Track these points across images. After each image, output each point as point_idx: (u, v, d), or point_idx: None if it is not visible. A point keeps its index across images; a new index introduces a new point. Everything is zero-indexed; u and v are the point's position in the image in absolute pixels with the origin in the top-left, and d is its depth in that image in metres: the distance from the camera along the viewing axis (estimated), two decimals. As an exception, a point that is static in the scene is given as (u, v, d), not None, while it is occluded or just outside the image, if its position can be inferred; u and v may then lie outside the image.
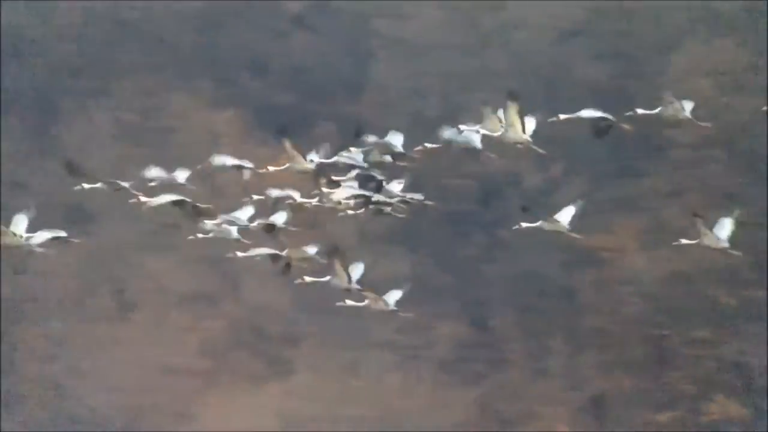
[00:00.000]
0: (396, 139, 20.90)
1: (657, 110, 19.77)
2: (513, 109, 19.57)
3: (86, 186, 21.24)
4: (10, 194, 32.54)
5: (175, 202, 20.92)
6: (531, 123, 19.83)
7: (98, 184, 21.26)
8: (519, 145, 19.85)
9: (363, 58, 35.17)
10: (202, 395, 32.36)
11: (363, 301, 20.68)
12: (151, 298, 33.09)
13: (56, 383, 32.31)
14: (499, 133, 19.75)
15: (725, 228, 20.39)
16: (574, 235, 20.19)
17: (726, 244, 20.25)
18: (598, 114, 19.96)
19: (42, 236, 20.79)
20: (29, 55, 35.27)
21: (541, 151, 19.83)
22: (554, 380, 32.61)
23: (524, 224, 20.43)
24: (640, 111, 19.85)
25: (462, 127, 20.35)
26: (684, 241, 20.53)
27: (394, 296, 20.90)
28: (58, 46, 35.35)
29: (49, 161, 33.43)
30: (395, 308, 20.84)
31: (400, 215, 21.01)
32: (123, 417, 32.14)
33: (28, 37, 35.38)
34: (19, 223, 20.93)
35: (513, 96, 19.54)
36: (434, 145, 20.54)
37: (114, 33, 35.42)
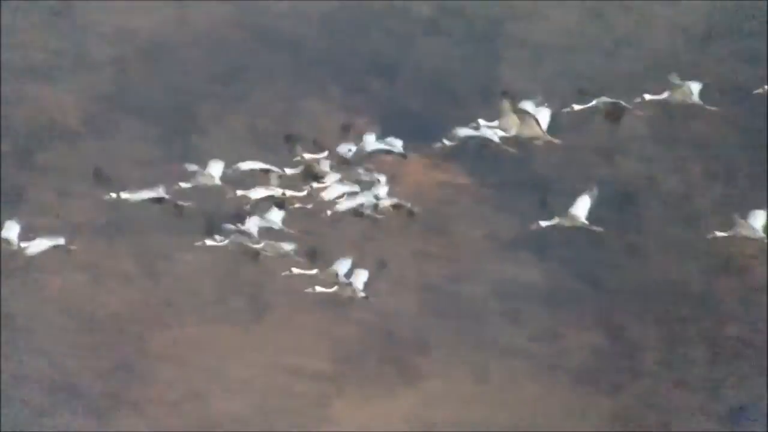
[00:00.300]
0: (396, 142, 20.05)
1: (665, 95, 18.89)
2: (507, 107, 19.01)
3: (113, 195, 20.47)
4: (148, 200, 32.32)
5: (155, 200, 20.17)
6: (545, 116, 18.90)
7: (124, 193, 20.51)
8: (537, 142, 19.09)
9: (494, 61, 34.25)
10: (333, 400, 31.78)
11: (334, 288, 19.79)
12: (283, 301, 32.67)
13: (190, 386, 31.94)
14: (513, 131, 19.16)
15: None
16: (594, 228, 18.89)
17: None
18: (611, 100, 19.40)
19: (40, 244, 20.07)
20: (167, 61, 35.13)
21: (556, 140, 19.16)
22: (693, 391, 31.25)
23: (543, 223, 19.35)
24: (647, 97, 19.09)
25: (481, 122, 19.25)
26: (718, 233, 19.25)
27: (361, 277, 19.90)
28: (195, 52, 35.18)
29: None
30: (364, 294, 19.95)
31: (380, 216, 19.81)
32: (256, 420, 31.68)
33: (166, 43, 35.23)
34: (11, 229, 20.17)
35: (505, 94, 19.03)
36: (450, 143, 19.28)
37: (249, 39, 35.18)
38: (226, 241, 20.44)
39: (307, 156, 20.30)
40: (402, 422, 31.60)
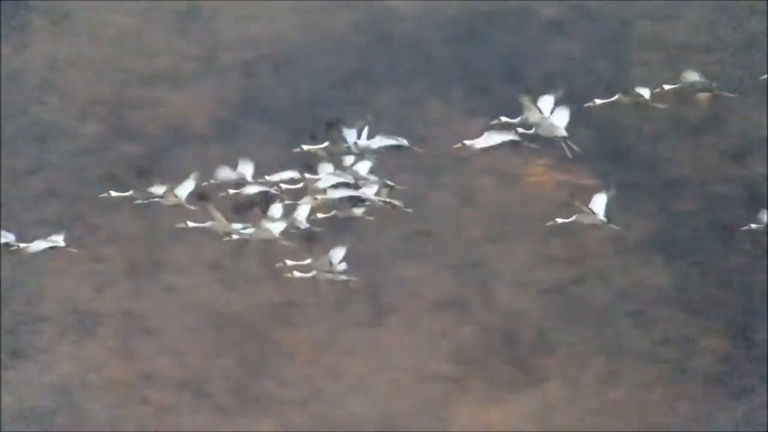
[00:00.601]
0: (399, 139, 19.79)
1: (678, 85, 18.64)
2: (527, 103, 18.45)
3: (114, 194, 20.06)
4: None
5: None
6: (563, 115, 18.35)
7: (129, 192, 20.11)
8: (557, 139, 18.49)
9: (622, 62, 33.29)
10: (455, 402, 31.14)
11: (307, 261, 19.04)
12: (405, 303, 32.19)
13: (315, 386, 31.58)
14: (533, 129, 18.63)
15: None
16: (612, 226, 18.64)
17: None
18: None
19: (38, 245, 19.69)
20: (292, 66, 34.92)
21: (575, 148, 18.40)
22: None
23: (559, 220, 19.04)
24: (666, 87, 18.80)
25: (503, 119, 18.96)
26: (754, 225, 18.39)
27: (337, 254, 19.04)
28: (319, 57, 34.90)
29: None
30: (345, 277, 19.14)
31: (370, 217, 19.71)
32: (378, 421, 31.18)
33: (291, 49, 35.03)
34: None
35: (524, 90, 18.61)
36: (471, 141, 19.11)
37: (372, 43, 34.77)
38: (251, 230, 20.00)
39: (306, 148, 19.86)
40: (525, 424, 30.85)
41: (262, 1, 35.57)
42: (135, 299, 31.83)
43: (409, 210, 19.74)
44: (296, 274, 19.99)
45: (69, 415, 30.48)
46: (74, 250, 20.53)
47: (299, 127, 34.13)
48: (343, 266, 20.20)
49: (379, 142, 19.67)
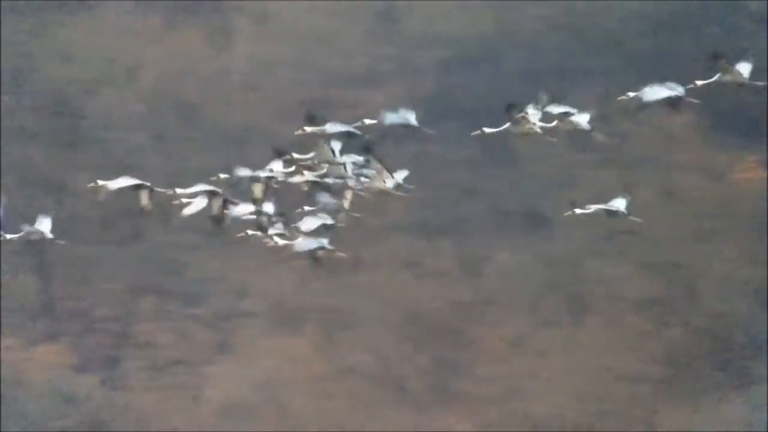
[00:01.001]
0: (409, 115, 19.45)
1: (715, 77, 18.50)
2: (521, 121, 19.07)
3: (100, 182, 19.30)
4: (467, 200, 31.73)
5: (136, 186, 18.88)
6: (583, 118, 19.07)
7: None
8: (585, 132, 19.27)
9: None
10: (661, 404, 29.93)
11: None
12: (603, 303, 31.17)
13: (512, 384, 30.83)
14: (554, 123, 19.17)
15: None
16: (634, 218, 19.29)
17: None
18: (665, 92, 18.89)
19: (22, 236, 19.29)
20: (488, 64, 34.28)
21: (602, 138, 19.21)
22: None
23: (578, 211, 19.57)
24: (699, 82, 18.68)
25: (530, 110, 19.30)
26: None
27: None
28: (515, 54, 34.17)
29: (502, 168, 32.24)
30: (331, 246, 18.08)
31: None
32: (577, 421, 30.25)
33: (487, 46, 34.38)
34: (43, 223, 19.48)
35: (512, 108, 19.27)
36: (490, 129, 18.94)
37: (569, 40, 33.84)
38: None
39: (309, 129, 19.13)
40: (736, 427, 29.56)
41: (457, 0, 35.04)
42: (336, 295, 31.60)
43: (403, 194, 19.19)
44: (278, 241, 19.44)
45: (273, 410, 30.35)
46: (61, 242, 20.17)
47: (495, 124, 33.53)
48: (308, 228, 19.63)
49: (390, 120, 19.22)
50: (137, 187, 19.70)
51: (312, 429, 30.16)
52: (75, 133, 33.99)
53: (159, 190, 19.65)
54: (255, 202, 19.61)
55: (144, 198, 19.68)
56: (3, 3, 34.76)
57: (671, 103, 18.84)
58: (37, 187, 32.61)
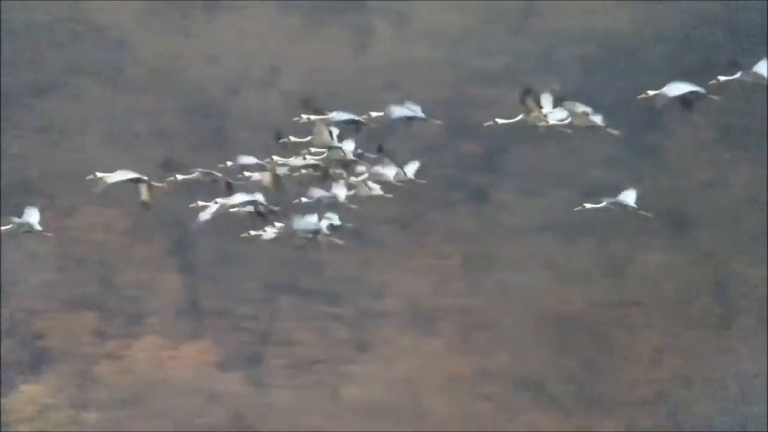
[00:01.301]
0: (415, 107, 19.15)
1: (737, 75, 18.05)
2: (531, 104, 19.12)
3: (100, 174, 18.25)
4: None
5: (134, 180, 18.18)
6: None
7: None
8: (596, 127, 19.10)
9: None
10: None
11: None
12: (753, 304, 29.87)
13: (658, 388, 29.84)
14: (569, 119, 19.07)
15: None
16: (644, 213, 18.97)
17: None
18: (686, 88, 18.66)
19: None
20: (630, 59, 33.26)
21: (615, 132, 18.93)
22: None
23: (587, 205, 19.32)
24: (722, 78, 18.31)
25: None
26: None
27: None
28: (659, 49, 33.11)
29: (646, 166, 31.24)
30: (328, 231, 18.44)
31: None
32: (731, 426, 29.06)
33: (630, 41, 33.37)
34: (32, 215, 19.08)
35: (528, 93, 19.01)
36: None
37: (715, 34, 32.62)
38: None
39: (313, 118, 18.29)
40: None
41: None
42: (472, 295, 30.97)
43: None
44: (270, 231, 18.71)
45: (411, 409, 29.90)
46: (49, 234, 19.64)
47: (637, 121, 32.55)
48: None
49: (398, 112, 19.02)
50: (136, 180, 19.34)
51: (450, 430, 29.58)
52: (219, 133, 34.03)
53: (157, 184, 19.32)
54: (264, 192, 19.28)
55: (143, 192, 19.32)
56: (151, 4, 35.02)
57: (684, 101, 18.54)
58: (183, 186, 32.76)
